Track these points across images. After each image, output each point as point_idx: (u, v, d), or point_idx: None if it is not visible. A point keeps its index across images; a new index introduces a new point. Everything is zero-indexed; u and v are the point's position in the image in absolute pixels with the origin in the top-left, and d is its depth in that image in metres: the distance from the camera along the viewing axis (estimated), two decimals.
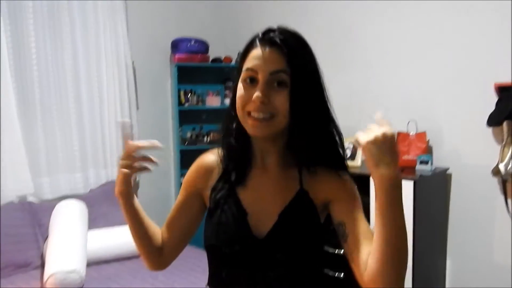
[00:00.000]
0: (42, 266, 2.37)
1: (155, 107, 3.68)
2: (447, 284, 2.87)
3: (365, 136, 0.80)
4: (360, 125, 3.45)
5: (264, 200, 0.95)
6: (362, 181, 2.86)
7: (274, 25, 0.99)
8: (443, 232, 2.83)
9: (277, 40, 0.91)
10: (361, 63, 3.20)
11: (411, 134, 2.85)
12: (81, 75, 3.15)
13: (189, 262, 2.30)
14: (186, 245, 1.08)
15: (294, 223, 0.92)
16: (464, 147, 2.72)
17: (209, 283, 1.01)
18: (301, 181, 0.96)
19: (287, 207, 0.93)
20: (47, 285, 2.10)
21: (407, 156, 2.83)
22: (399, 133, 2.87)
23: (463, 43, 2.65)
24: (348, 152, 3.04)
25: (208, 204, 1.02)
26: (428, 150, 2.83)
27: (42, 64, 2.97)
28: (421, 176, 2.58)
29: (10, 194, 2.76)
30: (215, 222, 0.96)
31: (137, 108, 3.48)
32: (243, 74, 0.91)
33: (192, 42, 3.58)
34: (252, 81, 0.90)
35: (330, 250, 2.88)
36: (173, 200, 3.16)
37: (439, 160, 2.82)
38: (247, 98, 0.89)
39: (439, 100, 2.81)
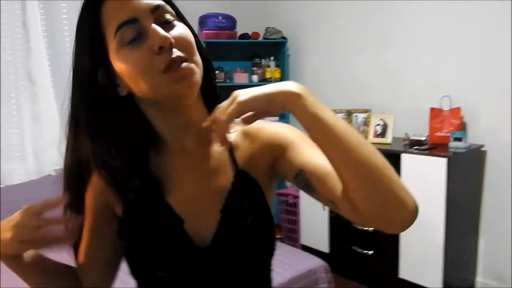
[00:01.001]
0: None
1: None
2: (479, 263, 2.83)
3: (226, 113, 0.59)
4: (392, 102, 3.41)
5: (196, 197, 0.73)
6: (392, 159, 2.84)
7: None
8: (476, 211, 2.78)
9: None
10: (394, 40, 3.13)
11: (444, 110, 2.78)
12: None
13: None
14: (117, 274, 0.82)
15: (240, 217, 0.71)
16: (500, 123, 2.64)
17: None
18: (234, 159, 0.75)
19: (228, 199, 0.72)
20: None
21: (440, 133, 2.77)
22: (432, 109, 2.81)
23: (500, 17, 2.54)
24: (379, 129, 2.99)
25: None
26: (463, 127, 2.76)
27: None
28: (454, 153, 2.53)
29: (48, 168, 2.86)
30: (141, 239, 0.72)
31: None
32: (117, 39, 0.65)
33: (220, 18, 3.55)
34: (134, 39, 0.65)
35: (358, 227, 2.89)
36: None
37: (474, 137, 2.74)
38: (147, 56, 0.64)
39: (474, 75, 2.72)
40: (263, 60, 3.81)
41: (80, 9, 0.70)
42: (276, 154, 0.74)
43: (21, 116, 2.80)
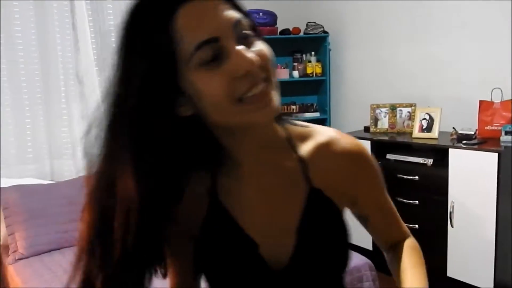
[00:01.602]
0: None
1: None
2: None
3: None
4: (439, 95, 3.31)
5: (269, 219, 0.69)
6: (439, 154, 2.76)
7: None
8: None
9: None
10: (439, 29, 3.02)
11: (495, 102, 2.66)
12: None
13: None
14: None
15: (317, 238, 0.69)
16: None
17: None
18: (307, 174, 0.70)
19: (302, 219, 0.68)
20: None
21: (490, 127, 2.66)
22: (481, 102, 2.70)
23: None
24: (425, 123, 2.91)
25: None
26: None
27: None
28: (506, 148, 2.42)
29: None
30: (216, 266, 0.71)
31: None
32: (197, 57, 0.57)
33: (261, 14, 3.56)
34: (213, 60, 0.58)
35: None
36: None
37: None
38: (229, 80, 0.58)
39: None
40: (304, 55, 3.78)
41: (138, 11, 0.61)
42: (354, 189, 0.74)
43: (70, 114, 2.91)
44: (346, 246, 0.72)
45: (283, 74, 3.75)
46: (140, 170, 0.60)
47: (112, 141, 0.62)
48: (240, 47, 0.58)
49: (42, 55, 2.79)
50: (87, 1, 2.92)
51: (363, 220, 0.78)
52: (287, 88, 3.72)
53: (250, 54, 0.58)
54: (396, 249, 0.79)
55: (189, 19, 0.57)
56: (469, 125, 2.76)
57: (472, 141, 2.57)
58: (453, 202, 2.56)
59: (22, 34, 2.69)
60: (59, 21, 2.83)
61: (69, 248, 2.39)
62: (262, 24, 3.57)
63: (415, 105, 3.07)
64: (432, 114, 2.90)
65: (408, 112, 3.10)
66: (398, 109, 3.15)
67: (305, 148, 0.72)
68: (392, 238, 0.81)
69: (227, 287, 0.71)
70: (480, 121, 2.71)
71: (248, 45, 0.60)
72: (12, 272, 2.20)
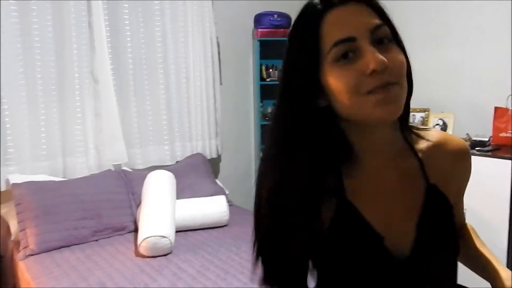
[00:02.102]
0: (135, 230, 2.57)
1: (237, 82, 3.74)
2: None
3: None
4: (453, 100, 3.28)
5: (391, 213, 0.75)
6: None
7: None
8: None
9: None
10: (457, 37, 2.98)
11: (510, 109, 2.62)
12: (169, 53, 3.28)
13: None
14: None
15: (435, 232, 0.75)
16: None
17: None
18: (424, 171, 0.76)
19: (422, 214, 0.75)
20: (141, 248, 2.27)
21: (505, 134, 2.62)
22: (496, 108, 2.65)
23: None
24: (438, 128, 2.87)
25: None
26: None
27: (135, 44, 3.14)
28: None
29: (108, 163, 3.00)
30: (343, 258, 0.75)
31: (221, 83, 3.57)
32: (332, 54, 0.67)
33: (275, 16, 3.56)
34: (346, 55, 0.66)
35: None
36: (253, 176, 3.22)
37: None
38: (357, 76, 0.65)
39: None
40: None
41: (299, 18, 0.72)
42: (460, 182, 0.83)
43: (84, 112, 2.94)
44: (457, 236, 0.80)
45: None
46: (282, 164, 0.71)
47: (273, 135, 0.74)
48: (373, 49, 0.65)
49: (58, 53, 2.82)
50: (103, 0, 2.95)
51: None
52: None
53: (380, 56, 0.64)
54: (463, 231, 0.89)
55: (333, 22, 0.67)
56: (483, 132, 2.73)
57: (486, 148, 2.53)
58: (465, 210, 2.52)
59: (39, 32, 2.72)
60: (75, 19, 2.85)
61: (78, 245, 2.43)
62: (276, 26, 3.57)
63: (428, 110, 3.03)
64: (446, 120, 2.87)
65: (422, 117, 3.07)
66: (411, 114, 3.11)
67: (421, 147, 0.79)
68: (461, 221, 0.89)
69: (356, 280, 0.75)
70: (494, 127, 2.67)
71: (384, 50, 0.67)
72: (23, 268, 2.22)
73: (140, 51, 3.17)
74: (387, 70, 0.65)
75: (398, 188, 0.76)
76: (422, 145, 0.79)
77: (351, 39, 0.66)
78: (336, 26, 0.67)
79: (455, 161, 0.80)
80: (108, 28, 3.01)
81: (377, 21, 0.68)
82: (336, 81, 0.67)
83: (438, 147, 0.79)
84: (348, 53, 0.66)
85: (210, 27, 3.43)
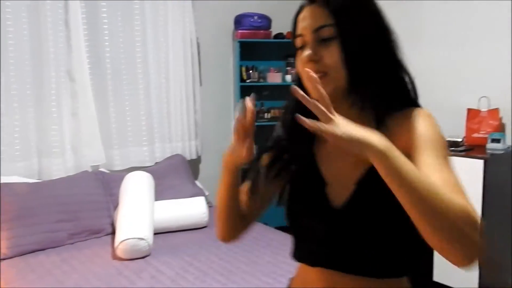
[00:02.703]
0: (113, 233, 2.54)
1: (217, 83, 3.73)
2: None
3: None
4: (427, 102, 3.34)
5: (340, 168, 0.89)
6: None
7: None
8: None
9: None
10: (429, 37, 3.05)
11: (482, 111, 2.70)
12: (149, 53, 3.25)
13: (250, 235, 2.36)
14: (263, 213, 1.05)
15: (372, 191, 0.83)
16: None
17: (292, 255, 0.98)
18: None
19: (364, 176, 0.84)
20: (118, 250, 2.25)
21: (477, 134, 2.70)
22: (469, 110, 2.73)
23: None
24: None
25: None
26: (501, 128, 2.68)
27: (114, 43, 3.11)
28: (492, 155, 2.46)
29: (85, 164, 2.96)
30: (293, 193, 0.94)
31: (200, 84, 3.56)
32: (296, 43, 0.89)
33: (256, 18, 3.56)
34: (302, 47, 0.87)
35: None
36: None
37: None
38: (302, 63, 0.86)
39: None
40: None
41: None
42: (409, 151, 0.80)
43: (61, 112, 2.89)
44: (398, 213, 0.74)
45: (276, 78, 3.76)
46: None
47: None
48: (309, 46, 0.85)
49: (33, 52, 2.77)
50: None
51: None
52: (280, 92, 3.74)
53: (308, 52, 0.84)
54: None
55: (299, 18, 0.89)
56: (457, 133, 2.79)
57: (460, 148, 2.60)
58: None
59: (14, 29, 2.67)
60: (52, 17, 2.80)
61: (54, 248, 2.38)
62: (256, 28, 3.58)
63: None
64: None
65: None
66: None
67: (388, 124, 0.85)
68: None
69: (298, 211, 0.93)
70: (467, 128, 2.74)
71: (324, 46, 0.84)
72: None
73: (119, 50, 3.14)
74: (320, 62, 0.84)
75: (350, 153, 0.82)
76: (391, 122, 0.85)
77: (300, 35, 0.87)
78: (299, 22, 0.89)
79: (408, 123, 0.84)
80: (85, 27, 2.97)
81: (322, 22, 0.84)
82: (296, 63, 0.90)
83: (402, 122, 0.85)
84: (303, 46, 0.87)
85: (190, 28, 3.42)
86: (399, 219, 0.79)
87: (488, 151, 2.53)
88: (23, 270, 2.12)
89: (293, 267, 1.00)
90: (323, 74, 0.83)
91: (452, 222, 0.67)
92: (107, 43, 3.08)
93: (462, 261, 0.70)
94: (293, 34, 0.91)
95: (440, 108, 2.98)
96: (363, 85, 0.85)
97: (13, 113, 2.71)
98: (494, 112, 2.67)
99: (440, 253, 0.70)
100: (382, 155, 0.68)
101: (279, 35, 3.69)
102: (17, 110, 2.73)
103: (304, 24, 0.86)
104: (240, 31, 3.55)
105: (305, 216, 0.92)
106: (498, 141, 2.58)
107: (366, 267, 0.85)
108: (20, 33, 2.71)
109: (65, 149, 2.91)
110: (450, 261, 0.71)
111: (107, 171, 3.00)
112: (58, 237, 2.42)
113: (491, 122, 2.67)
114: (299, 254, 0.95)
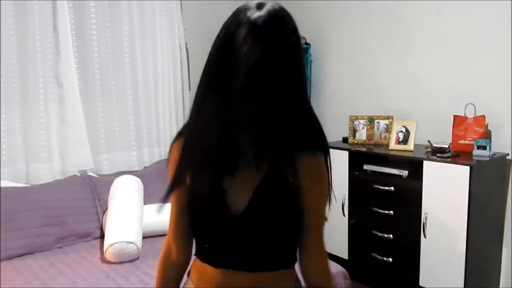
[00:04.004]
0: (102, 237, 2.52)
1: None
2: (502, 272, 2.78)
3: None
4: (415, 109, 3.39)
5: (240, 179, 0.96)
6: (414, 166, 2.82)
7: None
8: (500, 220, 2.74)
9: None
10: (417, 46, 3.11)
11: (468, 117, 2.74)
12: (138, 58, 3.26)
13: None
14: None
15: (267, 199, 0.94)
16: None
17: (195, 253, 1.06)
18: (276, 157, 0.95)
19: (260, 184, 0.94)
20: (107, 254, 2.24)
21: (463, 141, 2.73)
22: (455, 117, 2.78)
23: None
24: (401, 136, 2.97)
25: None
26: (487, 135, 2.73)
27: (102, 48, 3.11)
28: (478, 161, 2.49)
29: (73, 168, 2.94)
30: (196, 202, 0.98)
31: (189, 89, 3.57)
32: None
33: None
34: None
35: (379, 234, 2.87)
36: None
37: (499, 145, 2.70)
38: None
39: (500, 83, 2.68)
40: None
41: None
42: (306, 183, 0.97)
43: (48, 117, 2.87)
44: (293, 216, 0.96)
45: None
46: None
47: None
48: None
49: (21, 57, 2.75)
50: (69, 3, 2.90)
51: (303, 214, 0.98)
52: None
53: None
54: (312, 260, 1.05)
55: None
56: (444, 139, 2.84)
57: (446, 154, 2.64)
58: (426, 214, 2.62)
59: (1, 33, 2.65)
60: (40, 23, 2.79)
61: (41, 252, 2.36)
62: None
63: (392, 118, 3.13)
64: (409, 127, 2.97)
65: (386, 124, 3.16)
66: (376, 121, 3.21)
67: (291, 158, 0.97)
68: (316, 233, 1.05)
69: (200, 219, 0.97)
70: (454, 135, 2.78)
71: None
72: None
73: (107, 55, 3.13)
74: None
75: (252, 166, 0.93)
76: (298, 162, 0.96)
77: None
78: None
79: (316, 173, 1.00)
80: (74, 32, 2.97)
81: None
82: None
83: (310, 164, 0.98)
84: None
85: (179, 32, 3.43)
86: (287, 219, 0.95)
87: (474, 158, 2.56)
88: (10, 274, 2.10)
89: None
90: None
91: None
92: (95, 49, 3.07)
93: None
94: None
95: (427, 115, 3.06)
96: (273, 113, 0.85)
97: None
98: (480, 119, 2.71)
99: None
100: None
101: None
102: (4, 115, 2.71)
103: None
104: None
105: (207, 222, 0.97)
106: (484, 147, 2.62)
107: (262, 264, 0.98)
108: (7, 38, 2.69)
109: (52, 153, 2.89)
110: None
111: (96, 176, 2.99)
112: (45, 241, 2.40)
113: (477, 129, 2.72)
114: (202, 256, 1.02)
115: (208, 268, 1.00)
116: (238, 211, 0.94)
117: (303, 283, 1.09)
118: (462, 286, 2.48)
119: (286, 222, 0.96)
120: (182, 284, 1.14)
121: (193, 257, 1.10)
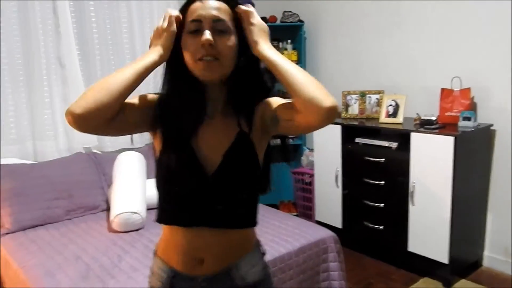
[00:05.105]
0: (108, 209, 2.68)
1: None
2: (487, 239, 2.93)
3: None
4: (405, 83, 3.49)
5: (211, 144, 1.04)
6: (403, 138, 2.94)
7: None
8: (484, 188, 2.87)
9: None
10: (406, 22, 3.19)
11: (455, 90, 2.85)
12: (136, 38, 3.35)
13: None
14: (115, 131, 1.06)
15: (235, 162, 1.03)
16: (510, 103, 2.71)
17: (158, 219, 1.10)
18: (240, 124, 1.05)
19: (229, 148, 1.03)
20: (113, 223, 2.39)
21: (450, 113, 2.85)
22: (443, 90, 2.88)
23: None
24: (391, 109, 3.09)
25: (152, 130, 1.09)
26: (473, 107, 2.84)
27: (101, 29, 3.20)
28: (462, 132, 2.61)
29: (78, 146, 3.08)
30: (167, 165, 1.03)
31: None
32: (188, 27, 0.99)
33: (239, 2, 3.66)
34: (197, 32, 0.98)
35: (370, 203, 3.02)
36: None
37: (484, 117, 2.82)
38: (196, 46, 0.97)
39: (485, 55, 2.78)
40: (280, 43, 3.92)
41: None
42: (263, 112, 1.05)
43: (52, 97, 2.99)
44: (254, 171, 1.05)
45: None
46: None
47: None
48: (208, 31, 0.97)
49: (23, 39, 2.85)
50: None
51: (275, 117, 1.02)
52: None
53: (209, 36, 0.96)
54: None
55: (198, 5, 1.00)
56: (432, 112, 2.96)
57: (433, 126, 2.75)
58: (414, 183, 2.75)
59: (4, 17, 2.75)
60: (40, 6, 2.89)
61: (52, 224, 2.52)
62: None
63: (383, 92, 3.25)
64: (398, 101, 3.08)
65: (377, 98, 3.28)
66: (367, 96, 3.32)
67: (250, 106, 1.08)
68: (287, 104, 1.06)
69: (171, 179, 1.04)
70: (441, 107, 2.90)
71: (220, 37, 0.98)
72: None
73: (106, 36, 3.23)
74: (215, 48, 0.97)
75: (220, 131, 1.05)
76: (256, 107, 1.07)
77: (198, 21, 0.98)
78: (198, 9, 0.99)
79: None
80: (73, 14, 3.06)
81: (221, 16, 0.98)
82: (186, 45, 1.00)
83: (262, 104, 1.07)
84: (196, 31, 0.98)
85: (174, 8, 3.50)
86: (251, 181, 1.06)
87: (460, 129, 2.67)
88: (25, 243, 2.27)
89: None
90: (214, 59, 0.97)
91: (317, 84, 0.94)
92: (94, 30, 3.17)
93: (323, 107, 0.90)
94: (184, 15, 1.01)
95: (417, 89, 3.17)
96: (243, 75, 1.03)
97: (6, 99, 2.81)
98: (465, 91, 2.82)
99: (307, 105, 0.91)
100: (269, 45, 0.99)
101: (262, 19, 3.76)
102: (11, 95, 2.83)
103: (204, 12, 0.98)
104: None
105: (177, 184, 1.03)
106: (468, 119, 2.73)
107: (231, 221, 1.05)
108: (10, 21, 2.79)
109: (58, 132, 3.02)
110: (315, 109, 0.91)
111: (99, 152, 3.13)
112: (55, 213, 2.56)
113: (463, 101, 2.83)
114: (171, 218, 1.07)
115: (178, 231, 1.06)
116: (210, 173, 1.02)
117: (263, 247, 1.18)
118: (448, 250, 2.63)
119: (252, 181, 1.06)
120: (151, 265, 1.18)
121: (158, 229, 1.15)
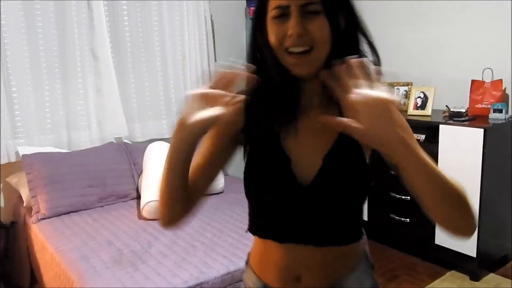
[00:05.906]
0: (138, 197, 2.77)
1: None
2: None
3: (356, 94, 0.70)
4: (434, 75, 3.46)
5: (306, 145, 0.89)
6: (431, 130, 2.91)
7: None
8: None
9: None
10: (435, 12, 3.14)
11: (486, 82, 2.80)
12: (165, 31, 3.42)
13: None
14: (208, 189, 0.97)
15: (338, 167, 0.86)
16: None
17: (249, 229, 0.98)
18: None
19: (330, 151, 0.87)
20: (143, 211, 2.48)
21: (480, 105, 2.80)
22: (473, 81, 2.84)
23: None
24: (419, 101, 3.06)
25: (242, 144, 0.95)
26: (504, 99, 2.78)
27: (133, 23, 3.29)
28: (493, 124, 2.57)
29: (109, 136, 3.18)
30: (257, 171, 0.91)
31: (215, 60, 3.72)
32: (271, 13, 0.85)
33: None
34: (283, 16, 0.83)
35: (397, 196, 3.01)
36: None
37: None
38: (283, 34, 0.83)
39: None
40: None
41: None
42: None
43: (86, 89, 3.10)
44: (362, 181, 0.88)
45: None
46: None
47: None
48: (296, 19, 0.82)
49: (59, 32, 2.97)
50: None
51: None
52: None
53: (298, 27, 0.81)
54: None
55: None
56: (462, 104, 2.91)
57: (463, 118, 2.71)
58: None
59: (41, 12, 2.87)
60: (76, 1, 3.00)
61: (85, 210, 2.63)
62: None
63: (411, 84, 3.21)
64: (427, 93, 3.05)
65: (405, 90, 3.25)
66: (396, 87, 3.29)
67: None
68: None
69: (262, 189, 0.91)
70: (471, 99, 2.85)
71: (310, 20, 0.82)
72: (36, 230, 2.43)
73: (137, 29, 3.32)
74: (307, 36, 0.82)
75: (317, 129, 0.88)
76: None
77: (283, 7, 0.83)
78: None
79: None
80: (106, 8, 3.15)
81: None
82: (270, 33, 0.86)
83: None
84: (282, 15, 0.83)
85: (204, 6, 3.57)
86: (358, 190, 0.89)
87: (490, 121, 2.63)
88: (60, 228, 2.38)
89: None
90: (309, 49, 0.82)
91: (458, 195, 0.77)
92: (126, 23, 3.26)
93: (465, 231, 0.78)
94: (264, 1, 0.87)
95: (446, 80, 3.12)
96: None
97: (43, 90, 2.93)
98: (497, 83, 2.77)
99: (443, 225, 0.78)
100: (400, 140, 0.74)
101: None
102: (47, 86, 2.95)
103: None
104: (252, 8, 3.68)
105: (270, 193, 0.90)
106: (500, 111, 2.68)
107: (332, 238, 0.91)
108: (47, 15, 2.90)
109: (91, 122, 3.13)
110: (453, 231, 0.79)
111: (130, 142, 3.23)
112: (88, 200, 2.67)
113: (494, 93, 2.78)
114: (265, 231, 0.95)
115: (272, 245, 0.93)
116: (307, 182, 0.87)
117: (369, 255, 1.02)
118: (476, 244, 2.61)
119: (359, 190, 0.89)
120: (243, 275, 1.05)
121: (251, 240, 1.01)
